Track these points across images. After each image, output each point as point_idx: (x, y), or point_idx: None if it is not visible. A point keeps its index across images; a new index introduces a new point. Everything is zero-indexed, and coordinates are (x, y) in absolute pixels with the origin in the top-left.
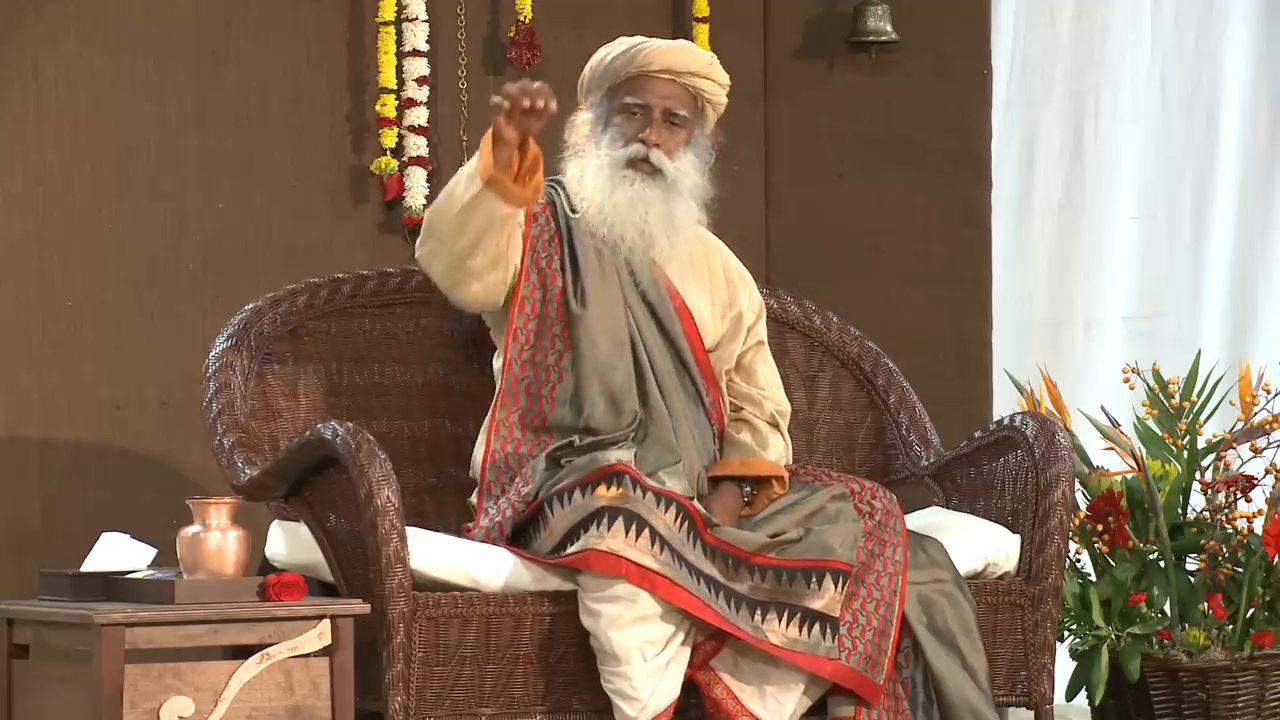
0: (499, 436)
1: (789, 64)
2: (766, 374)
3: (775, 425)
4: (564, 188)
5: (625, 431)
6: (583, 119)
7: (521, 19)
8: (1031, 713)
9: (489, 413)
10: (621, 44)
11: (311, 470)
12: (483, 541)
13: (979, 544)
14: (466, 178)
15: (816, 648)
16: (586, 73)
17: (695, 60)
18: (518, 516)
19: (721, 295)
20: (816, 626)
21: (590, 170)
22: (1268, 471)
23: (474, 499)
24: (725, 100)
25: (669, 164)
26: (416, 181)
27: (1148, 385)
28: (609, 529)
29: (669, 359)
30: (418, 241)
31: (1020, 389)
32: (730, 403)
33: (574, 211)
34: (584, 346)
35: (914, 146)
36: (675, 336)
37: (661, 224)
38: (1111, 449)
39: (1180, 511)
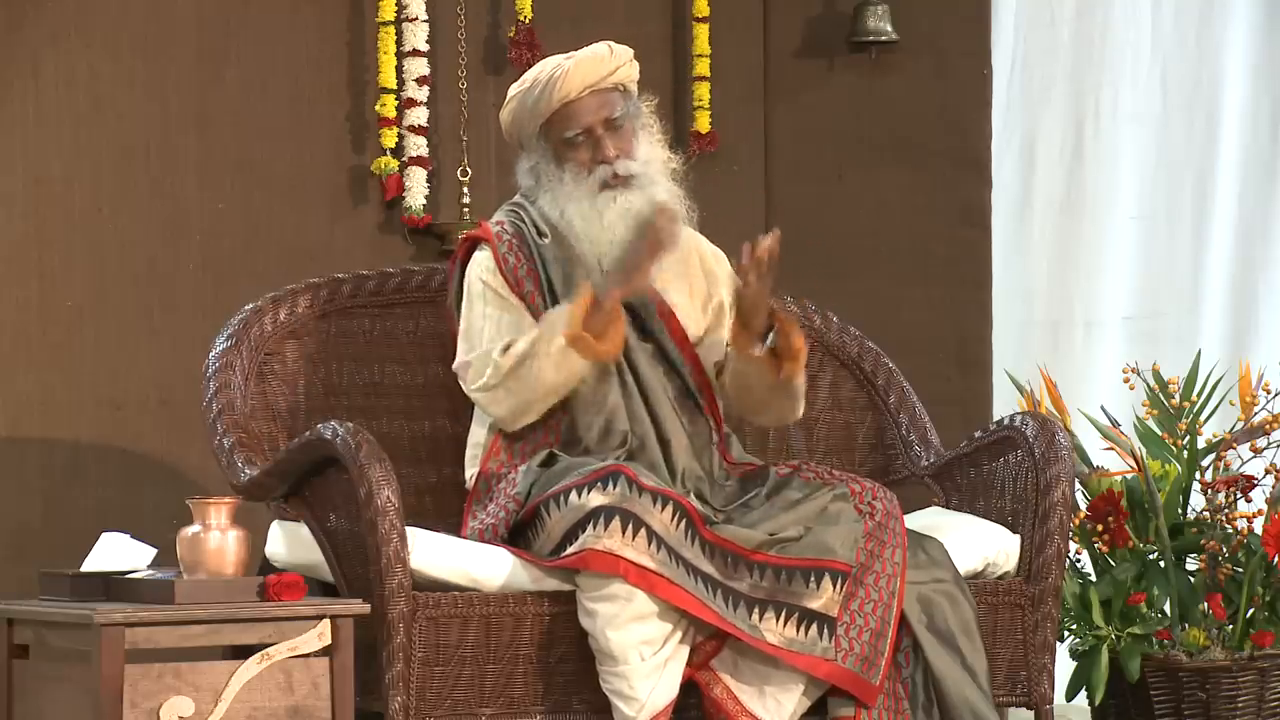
0: (496, 459)
1: (789, 64)
2: None
3: None
4: (527, 211)
5: (616, 452)
6: (533, 162)
7: (521, 19)
8: (1031, 713)
9: (485, 439)
10: (531, 84)
11: (311, 470)
12: (478, 542)
13: (979, 544)
14: (548, 342)
15: (813, 648)
16: (508, 121)
17: (604, 64)
18: (510, 517)
19: (700, 288)
20: (814, 626)
21: (569, 205)
22: (1268, 471)
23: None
24: (637, 67)
25: (636, 165)
26: (416, 181)
27: (1148, 385)
28: (605, 528)
29: (657, 362)
30: (483, 390)
31: (1020, 389)
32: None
33: (542, 237)
34: None
35: (914, 146)
36: (660, 335)
37: None
38: (1111, 449)
39: (1180, 511)
